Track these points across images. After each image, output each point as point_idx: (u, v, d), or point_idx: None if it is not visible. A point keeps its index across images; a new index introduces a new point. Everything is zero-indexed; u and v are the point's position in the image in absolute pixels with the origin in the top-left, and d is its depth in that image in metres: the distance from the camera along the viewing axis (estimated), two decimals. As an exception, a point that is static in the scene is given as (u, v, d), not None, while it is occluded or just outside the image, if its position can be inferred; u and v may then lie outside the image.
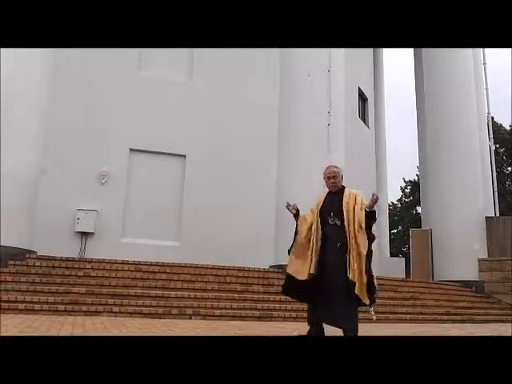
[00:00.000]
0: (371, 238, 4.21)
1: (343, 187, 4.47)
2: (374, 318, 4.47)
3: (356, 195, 4.34)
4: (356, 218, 4.18)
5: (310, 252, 4.35)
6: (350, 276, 4.06)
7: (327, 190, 4.56)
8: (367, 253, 4.12)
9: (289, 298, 8.74)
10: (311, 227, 4.44)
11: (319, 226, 4.38)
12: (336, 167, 4.55)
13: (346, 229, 4.20)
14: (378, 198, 4.11)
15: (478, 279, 14.18)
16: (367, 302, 4.09)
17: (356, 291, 4.01)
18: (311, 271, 4.28)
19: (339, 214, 4.28)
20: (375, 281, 4.20)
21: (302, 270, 4.33)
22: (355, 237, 4.14)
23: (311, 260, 4.31)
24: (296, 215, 4.61)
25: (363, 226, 4.14)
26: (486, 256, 14.51)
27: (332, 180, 4.45)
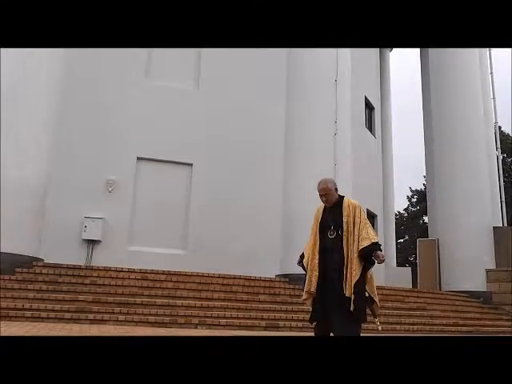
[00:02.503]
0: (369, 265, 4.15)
1: (341, 198, 4.35)
2: (380, 328, 4.43)
3: (355, 207, 4.27)
4: (356, 232, 4.13)
5: (311, 267, 4.28)
6: (347, 293, 4.03)
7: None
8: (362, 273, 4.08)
9: (295, 308, 8.78)
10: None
11: (318, 240, 4.30)
12: (325, 183, 4.33)
13: (345, 242, 4.15)
14: (384, 260, 4.04)
15: (485, 290, 14.07)
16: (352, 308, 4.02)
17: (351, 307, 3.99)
18: (312, 289, 4.24)
19: (339, 227, 4.20)
20: (372, 294, 4.18)
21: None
22: (353, 252, 4.10)
23: (312, 276, 4.25)
24: (302, 263, 4.43)
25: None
26: (493, 266, 14.40)
27: (324, 198, 4.31)
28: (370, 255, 4.07)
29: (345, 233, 4.15)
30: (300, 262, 4.49)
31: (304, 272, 4.43)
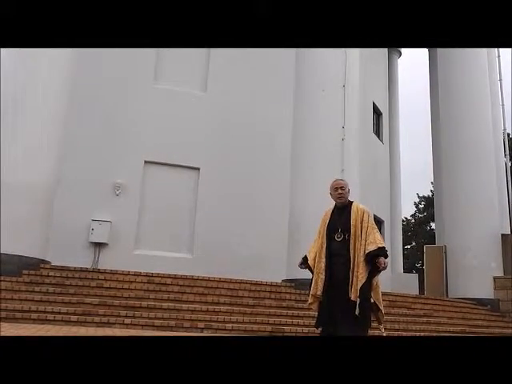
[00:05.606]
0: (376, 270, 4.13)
1: (350, 202, 4.39)
2: (385, 334, 4.41)
3: (363, 211, 4.26)
4: (363, 236, 4.12)
5: (317, 270, 4.27)
6: (352, 296, 4.02)
7: (332, 206, 4.50)
8: (369, 278, 4.07)
9: (301, 313, 8.75)
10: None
11: (325, 243, 4.31)
12: (342, 180, 4.50)
13: (352, 246, 4.14)
14: (385, 267, 4.04)
15: (493, 297, 13.97)
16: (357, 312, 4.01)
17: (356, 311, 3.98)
18: (318, 293, 4.22)
19: (346, 230, 4.21)
20: (377, 301, 4.17)
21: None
22: (359, 256, 4.08)
23: (318, 280, 4.24)
24: (307, 264, 4.43)
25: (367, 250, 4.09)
26: (501, 274, 14.29)
27: (340, 191, 4.33)
28: (375, 260, 4.07)
29: (352, 236, 4.15)
30: (302, 264, 4.48)
31: (310, 276, 4.42)
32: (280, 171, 13.13)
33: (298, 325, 8.36)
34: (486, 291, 13.91)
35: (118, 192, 12.83)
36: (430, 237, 27.77)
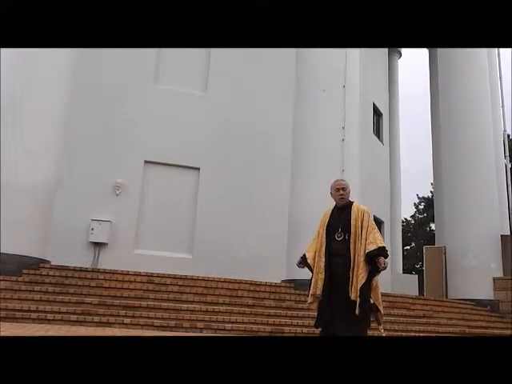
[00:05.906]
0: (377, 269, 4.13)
1: (351, 202, 4.40)
2: (384, 335, 4.40)
3: (364, 212, 4.27)
4: (363, 236, 4.13)
5: (317, 270, 4.27)
6: (352, 296, 4.02)
7: (331, 207, 4.51)
8: (369, 278, 4.07)
9: (300, 314, 8.75)
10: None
11: (324, 243, 4.31)
12: (344, 180, 4.52)
13: (352, 246, 4.15)
14: (386, 267, 4.05)
15: (492, 298, 13.96)
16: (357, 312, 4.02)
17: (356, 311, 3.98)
18: (317, 292, 4.23)
19: (346, 230, 4.22)
20: (376, 302, 4.17)
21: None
22: (360, 256, 4.09)
23: (318, 279, 4.24)
24: (307, 263, 4.44)
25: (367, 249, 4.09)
26: (501, 274, 14.29)
27: (341, 191, 4.36)
28: (375, 260, 4.07)
29: (352, 236, 4.15)
30: (301, 263, 4.49)
31: (309, 276, 4.43)
32: (280, 171, 13.14)
33: (297, 325, 8.36)
34: (485, 292, 13.90)
35: (118, 192, 12.84)
36: (430, 238, 27.79)
